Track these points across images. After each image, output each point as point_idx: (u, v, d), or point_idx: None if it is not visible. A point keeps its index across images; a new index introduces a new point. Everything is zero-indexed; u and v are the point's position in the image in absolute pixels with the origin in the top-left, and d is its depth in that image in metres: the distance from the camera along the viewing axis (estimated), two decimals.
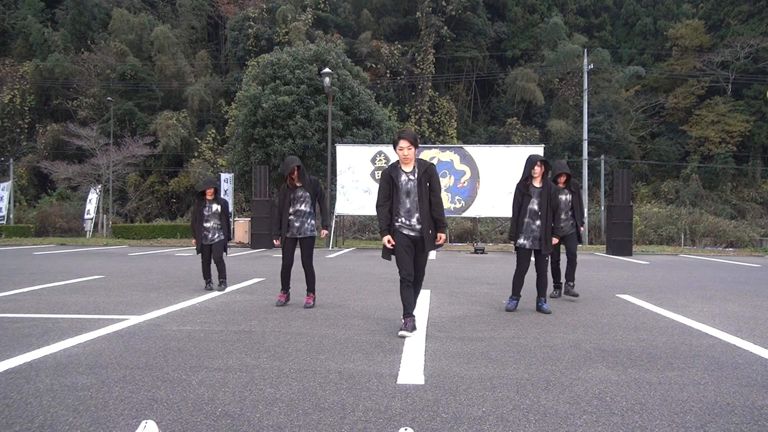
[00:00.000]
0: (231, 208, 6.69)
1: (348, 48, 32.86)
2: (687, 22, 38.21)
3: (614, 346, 4.32)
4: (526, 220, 5.79)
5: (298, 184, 6.01)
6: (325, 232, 6.27)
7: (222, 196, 21.37)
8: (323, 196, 6.20)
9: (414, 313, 4.75)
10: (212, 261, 7.47)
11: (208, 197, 7.26)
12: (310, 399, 3.00)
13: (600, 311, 6.02)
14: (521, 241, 5.83)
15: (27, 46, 39.00)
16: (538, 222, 5.75)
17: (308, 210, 6.02)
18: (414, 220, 4.66)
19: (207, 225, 7.27)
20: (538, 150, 17.30)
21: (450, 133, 35.32)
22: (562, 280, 7.11)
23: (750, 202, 33.41)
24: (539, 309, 5.88)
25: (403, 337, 4.50)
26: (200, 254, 7.40)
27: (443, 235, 4.77)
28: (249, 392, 3.11)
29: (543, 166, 5.81)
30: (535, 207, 5.76)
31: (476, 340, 4.47)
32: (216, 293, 7.09)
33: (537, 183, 5.82)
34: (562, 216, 6.73)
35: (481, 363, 3.77)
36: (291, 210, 5.99)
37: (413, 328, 4.64)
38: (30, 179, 35.10)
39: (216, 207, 7.28)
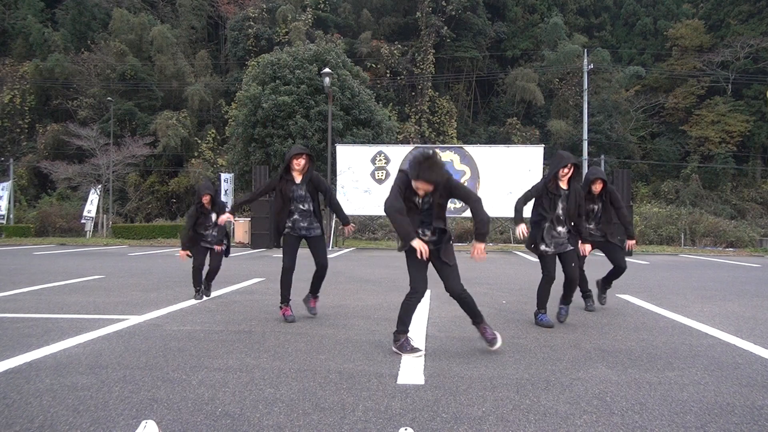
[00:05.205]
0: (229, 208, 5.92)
1: (348, 48, 32.89)
2: (687, 22, 38.23)
3: (614, 346, 4.32)
4: (546, 224, 5.07)
5: (297, 181, 5.22)
6: (352, 226, 5.59)
7: (222, 196, 21.48)
8: (331, 192, 5.48)
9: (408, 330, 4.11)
10: (205, 266, 6.70)
11: (206, 205, 6.50)
12: (310, 399, 3.00)
13: (600, 311, 6.02)
14: (543, 247, 5.11)
15: (27, 46, 38.98)
16: (560, 228, 5.08)
17: (312, 209, 5.35)
18: (428, 231, 4.05)
19: (206, 233, 6.61)
20: (538, 150, 17.25)
21: (450, 133, 35.34)
22: (590, 287, 6.42)
23: (750, 202, 33.41)
24: (557, 315, 5.29)
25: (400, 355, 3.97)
26: (194, 258, 6.58)
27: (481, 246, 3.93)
28: (249, 392, 3.11)
29: (573, 168, 5.07)
30: (560, 211, 5.06)
31: (476, 340, 4.46)
32: (217, 293, 7.07)
33: (563, 185, 5.11)
34: (590, 226, 5.93)
35: (481, 363, 3.77)
36: (292, 207, 5.25)
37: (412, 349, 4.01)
38: (30, 179, 35.09)
39: (215, 217, 6.57)
